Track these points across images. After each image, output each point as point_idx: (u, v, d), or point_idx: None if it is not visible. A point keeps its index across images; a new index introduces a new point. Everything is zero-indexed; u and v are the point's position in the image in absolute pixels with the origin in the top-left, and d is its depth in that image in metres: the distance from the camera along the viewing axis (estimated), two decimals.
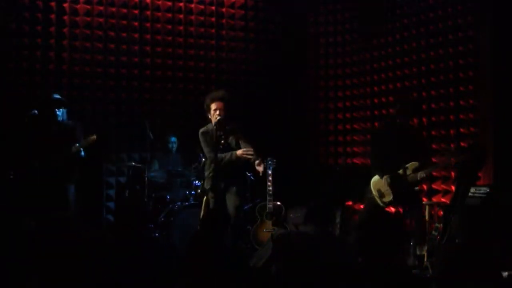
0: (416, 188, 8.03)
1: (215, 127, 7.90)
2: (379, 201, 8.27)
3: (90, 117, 10.68)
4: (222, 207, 7.79)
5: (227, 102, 7.99)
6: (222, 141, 7.85)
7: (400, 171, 7.94)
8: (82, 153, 8.80)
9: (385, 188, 8.15)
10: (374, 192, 8.30)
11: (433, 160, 8.37)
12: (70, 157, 8.71)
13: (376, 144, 8.73)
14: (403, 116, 8.24)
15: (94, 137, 8.66)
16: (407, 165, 7.95)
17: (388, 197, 8.13)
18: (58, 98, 8.96)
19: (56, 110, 8.83)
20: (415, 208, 8.16)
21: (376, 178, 8.32)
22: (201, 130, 8.10)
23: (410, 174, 7.95)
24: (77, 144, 8.68)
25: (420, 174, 7.95)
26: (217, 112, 7.88)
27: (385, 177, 8.15)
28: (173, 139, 10.68)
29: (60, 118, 8.88)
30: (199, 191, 8.90)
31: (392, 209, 8.52)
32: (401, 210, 8.43)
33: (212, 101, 7.96)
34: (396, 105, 8.54)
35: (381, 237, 4.72)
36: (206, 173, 8.05)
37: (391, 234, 4.82)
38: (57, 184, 8.69)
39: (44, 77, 10.63)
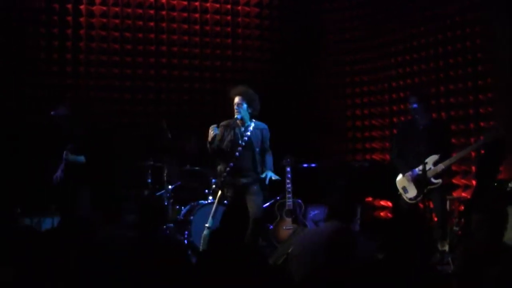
0: (438, 180, 7.99)
1: (235, 122, 7.94)
2: (405, 198, 8.27)
3: (106, 118, 10.71)
4: (241, 204, 7.78)
5: (247, 97, 8.00)
6: (246, 138, 7.87)
7: (421, 166, 7.93)
8: (79, 158, 8.82)
9: (408, 184, 8.16)
10: (400, 190, 8.31)
11: (454, 154, 8.33)
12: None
13: (395, 142, 8.73)
14: (419, 111, 8.23)
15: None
16: (427, 159, 7.93)
17: (412, 193, 8.14)
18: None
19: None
20: (438, 203, 8.13)
21: (399, 176, 8.33)
22: (222, 123, 8.11)
23: (430, 167, 7.93)
24: (65, 152, 8.73)
25: (440, 166, 7.95)
26: (235, 107, 7.92)
27: (406, 174, 8.15)
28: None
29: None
30: (213, 187, 8.93)
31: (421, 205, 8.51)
32: (421, 205, 8.40)
33: (232, 95, 8.02)
34: (410, 101, 8.47)
35: (405, 233, 4.70)
36: (218, 168, 8.10)
37: (414, 230, 4.79)
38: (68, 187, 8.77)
39: (61, 79, 10.67)
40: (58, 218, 9.10)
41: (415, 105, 8.17)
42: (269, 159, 8.19)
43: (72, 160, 8.72)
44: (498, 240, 5.23)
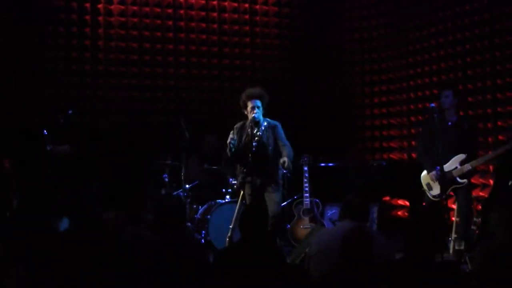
0: (464, 180, 7.95)
1: (251, 124, 7.95)
2: (428, 195, 8.23)
3: (126, 117, 10.77)
4: (260, 204, 7.79)
5: (264, 99, 8.03)
6: (257, 138, 7.88)
7: (447, 164, 7.87)
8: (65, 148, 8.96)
9: (432, 182, 8.11)
10: (424, 186, 8.27)
11: (481, 153, 8.29)
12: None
13: (422, 138, 8.65)
14: (452, 106, 8.15)
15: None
16: (454, 158, 7.88)
17: (436, 190, 8.09)
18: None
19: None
20: (463, 203, 8.08)
21: (424, 172, 8.28)
22: (236, 125, 8.16)
23: (457, 167, 7.89)
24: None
25: (466, 167, 7.89)
26: (254, 110, 7.92)
27: (431, 172, 8.09)
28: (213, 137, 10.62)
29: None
30: (235, 187, 8.99)
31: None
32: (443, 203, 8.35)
33: (249, 98, 8.01)
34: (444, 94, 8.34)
35: (426, 232, 4.69)
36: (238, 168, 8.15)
37: (434, 228, 4.78)
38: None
39: (80, 78, 10.74)
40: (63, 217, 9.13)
41: (431, 105, 8.06)
42: (288, 149, 8.02)
43: (58, 151, 8.80)
44: None
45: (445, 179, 7.87)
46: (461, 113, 9.24)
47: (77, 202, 8.86)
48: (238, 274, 4.69)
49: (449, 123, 8.05)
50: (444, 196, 8.01)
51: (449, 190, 7.96)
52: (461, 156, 7.93)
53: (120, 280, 4.51)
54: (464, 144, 7.99)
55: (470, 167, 7.92)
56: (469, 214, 8.25)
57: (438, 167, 7.92)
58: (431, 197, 8.21)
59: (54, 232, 5.19)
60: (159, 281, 4.81)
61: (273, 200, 7.93)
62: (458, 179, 7.92)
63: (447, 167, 7.88)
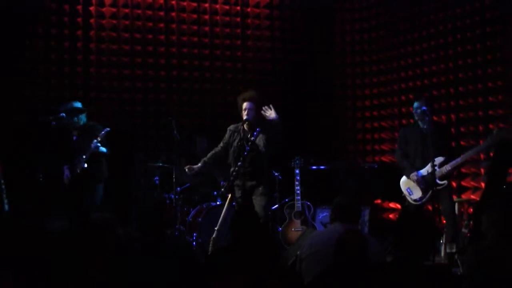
0: (443, 182, 8.00)
1: (243, 126, 7.99)
2: (409, 199, 8.27)
3: (118, 119, 10.74)
4: (250, 207, 7.80)
5: (256, 102, 8.06)
6: (250, 142, 7.90)
7: (427, 167, 7.94)
8: (103, 149, 8.79)
9: (413, 186, 8.16)
10: (404, 191, 8.32)
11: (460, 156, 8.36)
12: (93, 157, 8.72)
13: (401, 143, 8.73)
14: (426, 114, 8.23)
15: (107, 129, 8.68)
16: (433, 161, 7.92)
17: (417, 194, 8.14)
18: (77, 108, 8.96)
19: (75, 118, 8.87)
20: (447, 205, 8.13)
21: (403, 177, 8.34)
22: (230, 127, 8.22)
23: (436, 169, 7.93)
24: (95, 141, 8.65)
25: (446, 168, 7.96)
26: (245, 112, 7.96)
27: (411, 175, 8.15)
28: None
29: (80, 123, 8.92)
30: (222, 190, 8.98)
31: (429, 207, 8.52)
32: (430, 207, 8.40)
33: (243, 101, 8.09)
34: (417, 104, 8.47)
35: (414, 235, 4.68)
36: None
37: (423, 232, 4.78)
38: (84, 186, 8.75)
39: (72, 80, 10.71)
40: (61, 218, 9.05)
41: (423, 108, 8.17)
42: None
43: (95, 149, 8.69)
44: (507, 242, 5.21)
45: (426, 182, 7.99)
46: (437, 118, 9.38)
47: (70, 204, 8.81)
48: (230, 277, 4.68)
49: (425, 130, 8.12)
50: (425, 199, 8.12)
51: (430, 192, 8.04)
52: (440, 159, 8.00)
53: (115, 282, 4.50)
54: (442, 148, 8.07)
55: (449, 168, 8.01)
56: (455, 216, 8.40)
57: (419, 171, 8.06)
58: (412, 201, 8.28)
59: (46, 234, 5.15)
60: (153, 283, 4.80)
61: (258, 203, 7.97)
62: (438, 181, 7.98)
63: (426, 170, 7.99)
